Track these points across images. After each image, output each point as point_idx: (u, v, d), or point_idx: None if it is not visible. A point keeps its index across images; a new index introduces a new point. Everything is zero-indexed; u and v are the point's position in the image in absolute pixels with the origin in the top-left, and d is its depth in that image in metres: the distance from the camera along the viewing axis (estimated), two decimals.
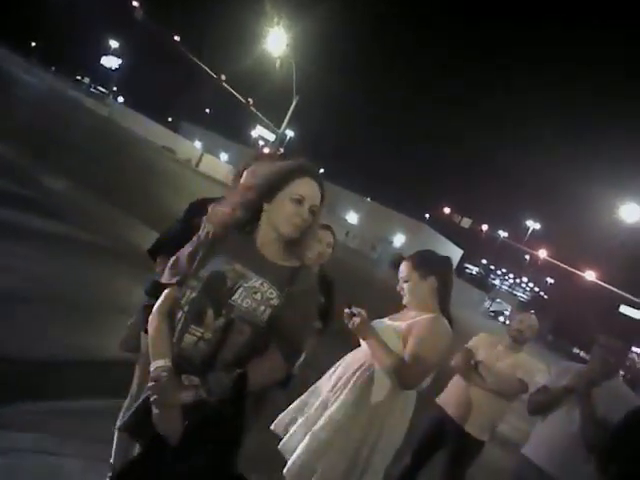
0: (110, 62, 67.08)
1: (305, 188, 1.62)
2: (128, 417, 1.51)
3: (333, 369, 2.42)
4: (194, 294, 1.54)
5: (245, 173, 2.26)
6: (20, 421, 2.54)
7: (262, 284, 1.54)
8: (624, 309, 25.48)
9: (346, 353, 2.43)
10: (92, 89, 79.90)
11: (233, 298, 1.51)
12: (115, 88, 73.87)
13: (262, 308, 1.52)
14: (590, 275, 25.47)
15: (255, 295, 1.52)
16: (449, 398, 3.17)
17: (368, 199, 64.61)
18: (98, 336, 3.71)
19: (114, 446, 2.26)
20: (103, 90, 78.50)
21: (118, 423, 2.00)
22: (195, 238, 1.67)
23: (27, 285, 4.13)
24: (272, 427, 2.39)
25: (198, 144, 64.98)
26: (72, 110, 28.25)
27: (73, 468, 2.40)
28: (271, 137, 26.88)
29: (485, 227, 32.00)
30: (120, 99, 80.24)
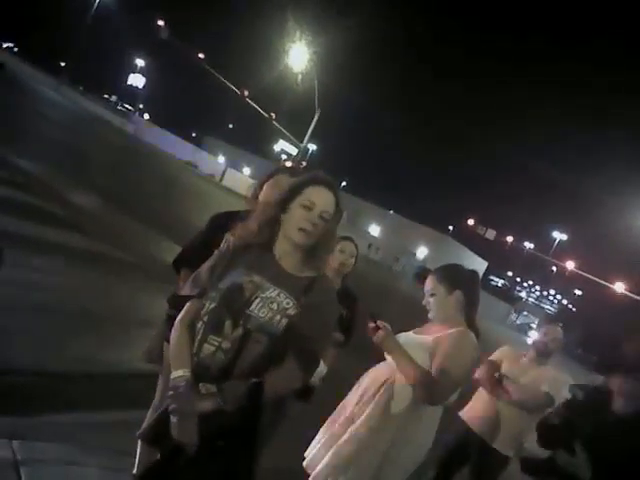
0: (136, 80, 68.86)
1: (315, 195, 1.64)
2: (147, 425, 1.53)
3: (358, 384, 2.40)
4: (213, 305, 1.57)
5: (265, 186, 2.28)
6: (46, 432, 2.59)
7: (279, 294, 1.56)
8: None
9: (370, 367, 2.41)
10: (119, 107, 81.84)
11: (250, 309, 1.53)
12: (141, 105, 75.75)
13: (278, 318, 1.53)
14: (620, 287, 24.86)
15: (272, 305, 1.54)
16: (473, 412, 3.12)
17: (391, 211, 64.41)
18: (122, 348, 3.77)
19: (137, 457, 2.29)
20: (129, 107, 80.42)
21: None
22: (216, 252, 1.71)
23: (52, 299, 4.22)
24: (305, 465, 2.32)
25: (221, 159, 65.81)
26: (98, 127, 28.97)
27: (100, 479, 2.44)
28: (294, 151, 27.10)
29: (510, 238, 31.58)
30: (146, 116, 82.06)
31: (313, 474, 2.25)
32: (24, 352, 3.19)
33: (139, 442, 2.26)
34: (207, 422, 1.42)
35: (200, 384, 1.46)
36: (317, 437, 2.37)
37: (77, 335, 3.77)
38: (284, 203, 1.66)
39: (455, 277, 2.35)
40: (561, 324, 3.25)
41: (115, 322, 4.40)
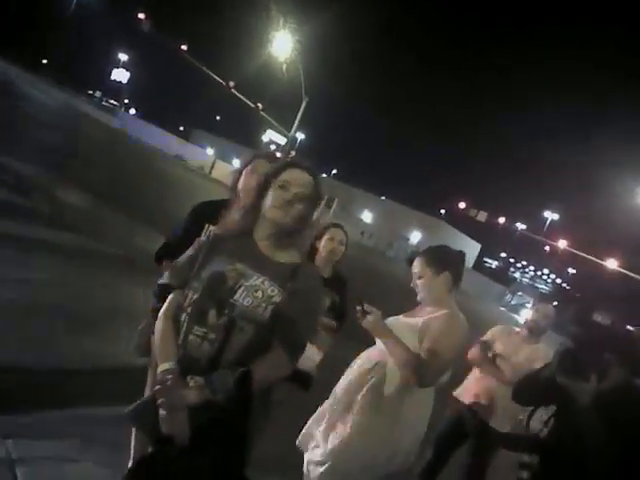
0: (120, 75, 68.02)
1: (290, 175, 1.65)
2: (134, 408, 1.52)
3: (349, 369, 2.41)
4: (196, 295, 1.56)
5: (244, 173, 2.27)
6: (42, 429, 2.59)
7: (263, 282, 1.56)
8: None
9: (361, 353, 2.43)
10: (104, 102, 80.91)
11: (234, 297, 1.52)
12: (126, 100, 74.90)
13: (264, 306, 1.52)
14: (612, 263, 25.09)
15: (256, 293, 1.53)
16: (467, 392, 3.15)
17: (382, 197, 64.43)
18: (115, 343, 3.75)
19: (132, 450, 2.28)
20: (114, 103, 79.51)
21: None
22: (196, 241, 1.70)
23: (44, 296, 4.21)
24: (297, 443, 2.40)
25: (210, 151, 65.41)
26: (84, 124, 28.65)
27: (93, 474, 2.44)
28: (282, 140, 26.96)
29: (502, 220, 31.69)
30: (132, 111, 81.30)
31: (311, 460, 2.26)
32: (15, 350, 3.17)
33: (132, 435, 2.26)
34: (196, 414, 1.41)
35: (188, 377, 1.45)
36: (309, 429, 2.39)
37: (69, 331, 3.75)
38: (262, 189, 1.66)
39: (443, 258, 2.36)
40: (555, 302, 3.28)
41: (106, 317, 4.38)
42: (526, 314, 3.40)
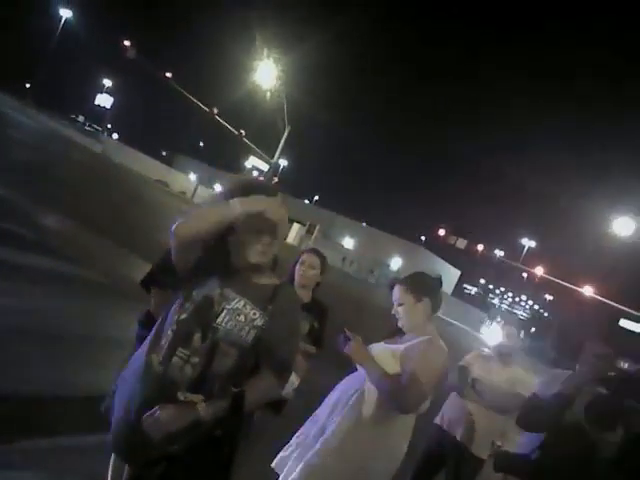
0: (104, 100, 68.09)
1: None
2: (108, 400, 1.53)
3: (329, 396, 2.43)
4: (184, 316, 1.56)
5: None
6: (18, 459, 2.53)
7: (245, 305, 1.57)
8: (624, 323, 25.42)
9: (342, 379, 2.45)
10: (87, 127, 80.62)
11: (217, 321, 1.54)
12: (109, 125, 74.84)
13: (246, 329, 1.54)
14: (588, 290, 25.47)
15: (239, 317, 1.55)
16: (447, 417, 3.18)
17: (364, 224, 64.76)
18: (94, 370, 3.71)
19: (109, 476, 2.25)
20: (97, 127, 79.28)
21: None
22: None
23: (22, 322, 4.13)
24: (273, 465, 2.38)
25: (193, 176, 65.37)
26: (66, 147, 28.48)
27: None
28: (265, 167, 27.11)
29: (481, 247, 32.02)
30: (115, 136, 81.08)
31: None
32: None
33: (111, 462, 2.23)
34: (184, 434, 1.42)
35: (179, 393, 1.46)
36: (286, 451, 2.39)
37: (49, 358, 3.69)
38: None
39: (422, 285, 2.40)
40: (533, 329, 3.36)
41: (87, 343, 4.33)
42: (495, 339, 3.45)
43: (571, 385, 2.57)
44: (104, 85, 69.30)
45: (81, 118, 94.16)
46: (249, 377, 1.55)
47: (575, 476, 1.97)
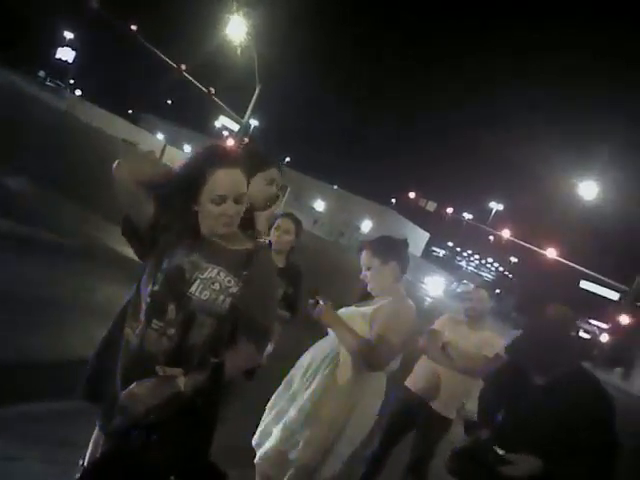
0: (65, 54, 64.91)
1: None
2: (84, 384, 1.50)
3: (301, 359, 2.46)
4: (156, 287, 1.52)
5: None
6: None
7: (219, 273, 1.53)
8: (584, 284, 26.35)
9: (314, 343, 2.47)
10: (48, 82, 76.93)
11: (191, 290, 1.50)
12: (72, 81, 71.62)
13: (222, 298, 1.51)
14: (551, 253, 26.19)
15: (213, 285, 1.51)
16: (416, 379, 3.25)
17: (335, 186, 64.67)
18: (64, 336, 3.63)
19: (90, 447, 2.24)
20: (59, 83, 75.74)
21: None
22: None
23: None
24: (253, 443, 2.38)
25: (160, 136, 63.63)
26: (27, 105, 27.25)
27: (40, 472, 2.37)
28: (235, 127, 26.53)
29: (450, 210, 32.41)
30: (78, 92, 77.75)
31: (263, 449, 2.29)
32: None
33: (95, 433, 2.21)
34: (164, 405, 1.40)
35: (157, 367, 1.42)
36: (264, 416, 2.42)
37: (18, 324, 3.58)
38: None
39: (388, 249, 2.44)
40: (498, 290, 3.41)
41: (58, 309, 4.22)
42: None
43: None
44: (65, 37, 65.98)
45: (42, 73, 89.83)
46: (228, 346, 1.53)
47: (533, 431, 2.07)
